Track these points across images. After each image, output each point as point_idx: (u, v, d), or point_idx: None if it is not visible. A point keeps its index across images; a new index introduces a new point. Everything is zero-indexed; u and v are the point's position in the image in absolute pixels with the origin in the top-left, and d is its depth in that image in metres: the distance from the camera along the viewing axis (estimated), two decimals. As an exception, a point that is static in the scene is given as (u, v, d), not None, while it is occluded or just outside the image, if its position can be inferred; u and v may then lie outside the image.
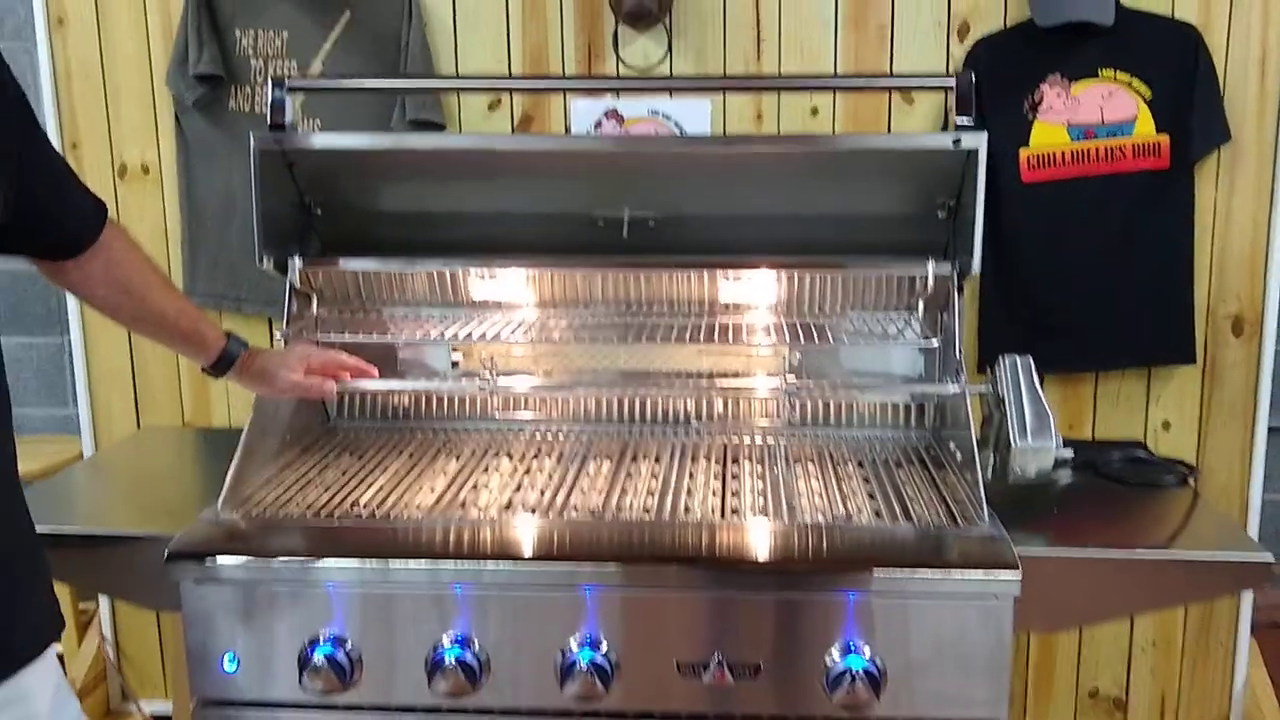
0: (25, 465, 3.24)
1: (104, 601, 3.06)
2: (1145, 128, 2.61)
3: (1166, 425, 2.79)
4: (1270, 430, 2.79)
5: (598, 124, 2.75)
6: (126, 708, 3.16)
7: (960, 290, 2.04)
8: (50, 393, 3.90)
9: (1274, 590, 3.57)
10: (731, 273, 2.17)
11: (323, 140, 2.06)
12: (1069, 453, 1.87)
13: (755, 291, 2.20)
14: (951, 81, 1.95)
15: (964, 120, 1.94)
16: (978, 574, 1.63)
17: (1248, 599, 2.85)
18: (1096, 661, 2.94)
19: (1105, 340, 2.71)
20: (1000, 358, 1.92)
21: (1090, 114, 2.63)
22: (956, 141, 1.92)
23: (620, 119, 2.75)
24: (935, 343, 2.03)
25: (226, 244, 2.87)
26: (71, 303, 2.94)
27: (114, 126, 2.86)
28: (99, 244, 1.73)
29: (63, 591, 3.05)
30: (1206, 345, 2.75)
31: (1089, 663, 2.94)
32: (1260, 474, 2.79)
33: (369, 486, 1.98)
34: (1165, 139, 2.60)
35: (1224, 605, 2.86)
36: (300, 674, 1.69)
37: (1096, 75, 2.62)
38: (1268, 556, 1.71)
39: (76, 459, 3.17)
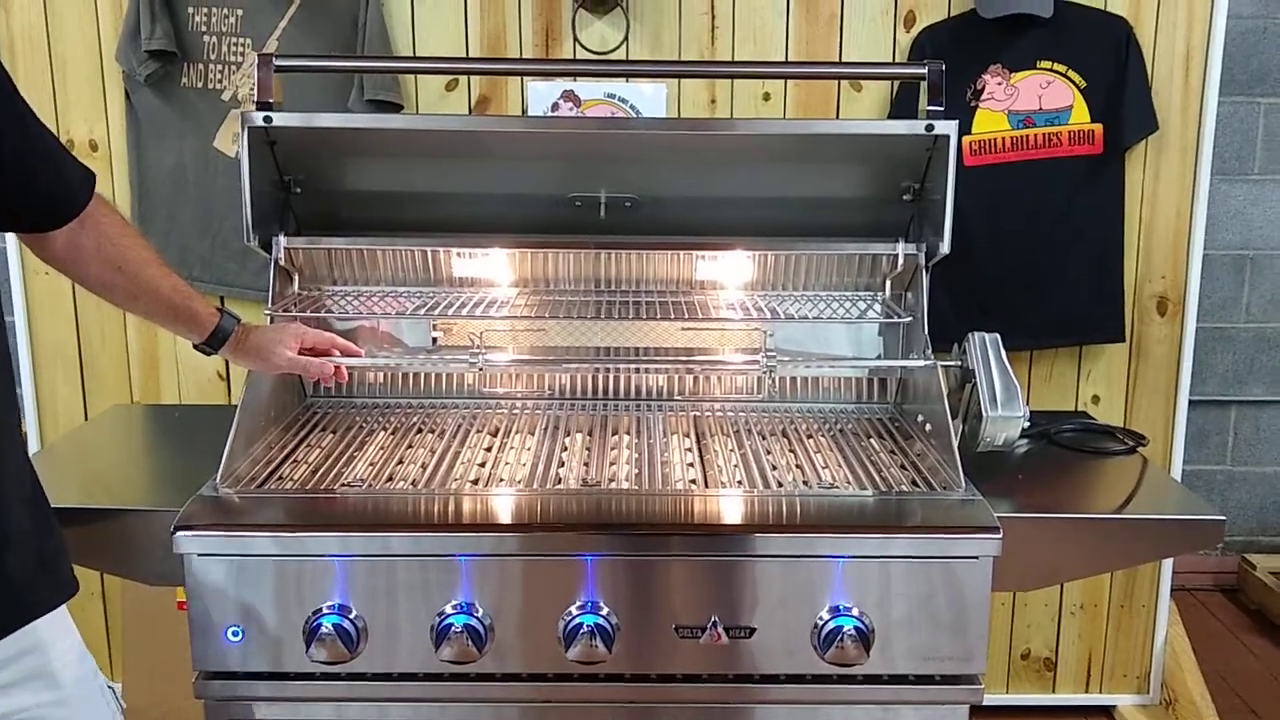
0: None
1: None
2: (1080, 116, 2.75)
3: (1096, 399, 2.95)
4: (1190, 404, 2.97)
5: (554, 106, 2.79)
6: (72, 691, 3.11)
7: (928, 270, 2.14)
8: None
9: (1183, 558, 3.79)
10: (706, 253, 2.24)
11: (309, 120, 2.06)
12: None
13: (729, 271, 2.28)
14: (923, 70, 2.04)
15: (935, 108, 2.03)
16: (960, 536, 1.73)
17: (1169, 564, 3.02)
18: (1027, 625, 3.09)
19: (1040, 319, 2.85)
20: (970, 334, 2.03)
21: (1029, 102, 2.76)
22: (930, 127, 2.01)
23: (577, 101, 2.79)
24: (906, 319, 2.12)
25: (178, 222, 2.85)
26: (16, 283, 2.88)
27: (60, 102, 2.82)
28: (89, 218, 1.72)
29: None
30: (1134, 324, 2.90)
31: (1020, 626, 3.10)
32: (1182, 445, 2.96)
33: (359, 462, 2.00)
34: (1099, 127, 2.75)
35: (1145, 570, 3.03)
36: (307, 644, 1.71)
37: (1035, 66, 2.75)
38: (1220, 517, 1.84)
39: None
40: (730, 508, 1.83)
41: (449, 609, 1.73)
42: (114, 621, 3.05)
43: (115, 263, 1.78)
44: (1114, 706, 3.13)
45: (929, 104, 2.04)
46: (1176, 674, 3.04)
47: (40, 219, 1.68)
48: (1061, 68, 2.75)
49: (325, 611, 1.72)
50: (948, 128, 2.01)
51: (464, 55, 2.76)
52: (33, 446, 2.86)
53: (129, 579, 2.17)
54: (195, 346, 1.91)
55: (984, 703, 2.99)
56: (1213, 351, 3.78)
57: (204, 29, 2.76)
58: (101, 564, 1.96)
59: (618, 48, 2.76)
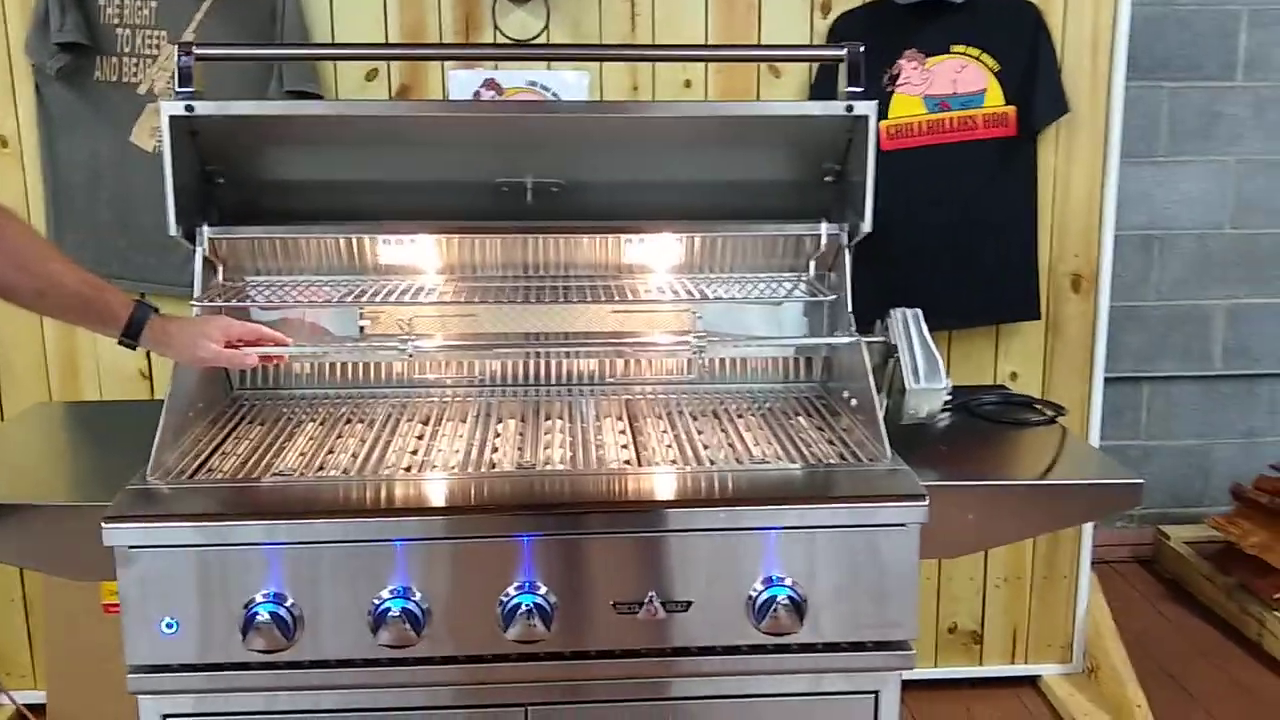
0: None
1: (-35, 592, 2.96)
2: (995, 99, 2.81)
3: (1014, 376, 3.02)
4: (1105, 380, 3.05)
5: (476, 95, 2.79)
6: (-5, 700, 3.05)
7: (850, 250, 2.18)
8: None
9: (1108, 530, 3.90)
10: (633, 237, 2.26)
11: (231, 108, 2.04)
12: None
13: (656, 255, 2.30)
14: (842, 53, 2.07)
15: (854, 89, 2.07)
16: (888, 505, 1.77)
17: (1089, 535, 3.11)
18: (953, 598, 3.16)
19: (959, 299, 2.90)
20: (891, 310, 2.07)
21: (944, 86, 2.82)
22: (850, 108, 2.05)
23: (499, 89, 2.79)
24: (830, 298, 2.15)
25: (94, 219, 2.80)
26: (-76, 283, 2.81)
27: (-33, 97, 2.76)
28: None
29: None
30: (1049, 301, 2.98)
31: (946, 600, 3.16)
32: (1098, 420, 3.05)
33: (289, 452, 1.99)
34: (1012, 110, 2.82)
35: (1067, 543, 3.11)
36: (244, 633, 1.70)
37: (949, 50, 2.81)
38: (1139, 480, 1.90)
39: (-66, 444, 3.04)
40: (663, 485, 1.85)
41: (386, 594, 1.73)
42: (35, 629, 2.99)
43: (16, 262, 1.78)
44: (1039, 676, 3.21)
45: (848, 85, 2.08)
46: (1098, 642, 3.12)
47: None
48: (975, 51, 2.81)
49: (261, 600, 1.71)
50: (867, 108, 2.05)
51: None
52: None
53: (56, 576, 2.14)
54: (119, 342, 1.90)
55: (914, 675, 3.10)
56: (1124, 330, 3.88)
57: (116, 21, 2.72)
58: (26, 561, 1.93)
59: (538, 35, 2.77)
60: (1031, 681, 3.22)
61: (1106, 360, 3.04)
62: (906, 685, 3.09)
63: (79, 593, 2.68)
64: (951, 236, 2.87)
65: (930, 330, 2.89)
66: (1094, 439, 3.04)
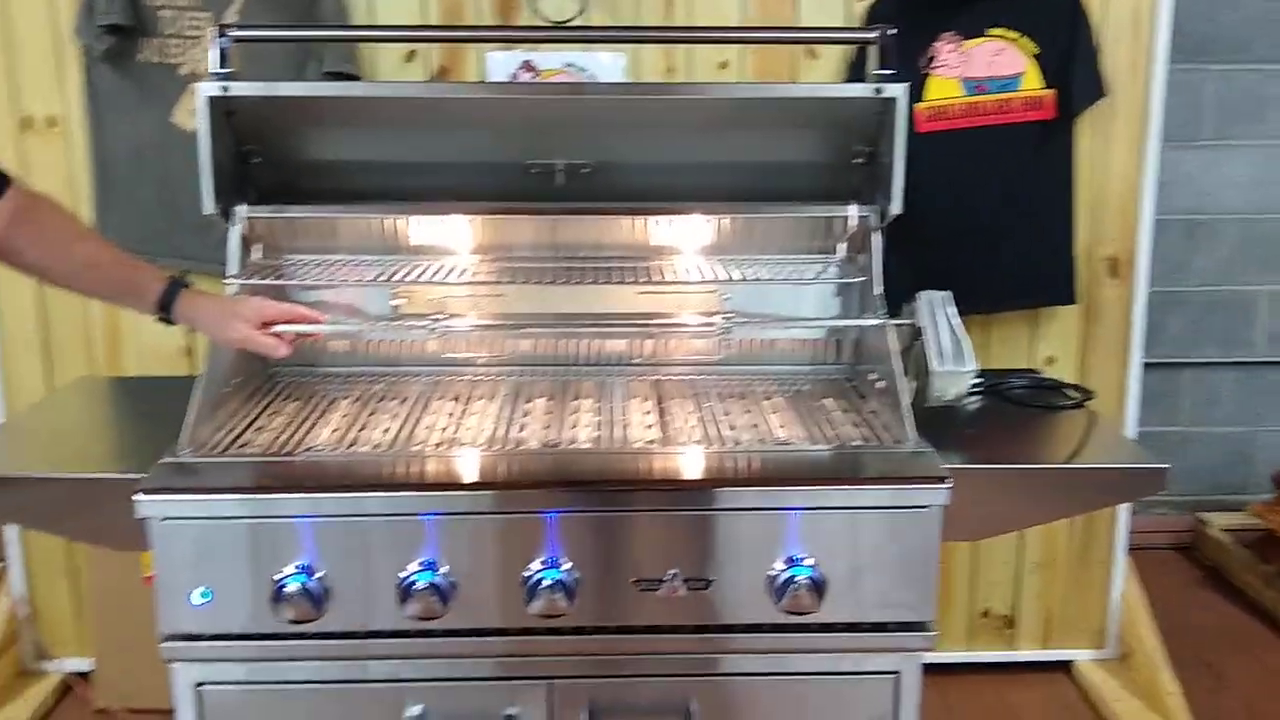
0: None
1: (15, 560, 3.03)
2: (1033, 82, 2.79)
3: (1050, 361, 3.00)
4: (1144, 366, 3.03)
5: (513, 76, 2.82)
6: (41, 666, 3.13)
7: (880, 232, 2.18)
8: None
9: (1147, 516, 3.87)
10: (662, 218, 2.27)
11: (266, 89, 2.07)
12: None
13: (685, 236, 2.31)
14: (873, 35, 2.07)
15: (884, 71, 2.07)
16: (910, 486, 1.78)
17: (1124, 521, 3.09)
18: (988, 583, 3.15)
19: (995, 283, 2.89)
20: (919, 293, 2.08)
21: (982, 69, 2.80)
22: (879, 90, 2.05)
23: (535, 71, 2.81)
24: (859, 280, 2.16)
25: (138, 198, 2.86)
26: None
27: (18, 78, 2.81)
28: (18, 209, 1.80)
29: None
30: (1086, 286, 2.96)
31: (980, 585, 3.16)
32: (1135, 406, 3.02)
33: (323, 427, 2.03)
34: (1051, 93, 2.79)
35: (1102, 529, 3.10)
36: (273, 604, 1.74)
37: (987, 33, 2.79)
38: (1164, 465, 1.89)
39: (-13, 417, 3.12)
40: (686, 463, 1.86)
41: (413, 567, 1.76)
42: (82, 598, 3.07)
43: (48, 243, 1.84)
44: (1072, 661, 3.20)
45: (878, 68, 2.08)
46: (1132, 629, 3.11)
47: None
48: (1014, 34, 2.79)
49: (291, 572, 1.75)
50: (896, 90, 2.05)
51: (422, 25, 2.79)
52: (-2, 423, 2.87)
53: (96, 545, 2.19)
54: (157, 319, 1.94)
55: (946, 659, 3.11)
56: (1165, 315, 3.85)
57: (161, 4, 2.76)
58: (65, 531, 1.98)
59: (575, 18, 2.78)
60: (1064, 667, 3.21)
61: (1146, 345, 3.02)
62: (938, 668, 3.14)
63: (124, 562, 2.75)
64: (988, 220, 2.86)
65: (966, 313, 2.89)
66: (1130, 424, 3.02)
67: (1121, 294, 2.97)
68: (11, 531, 3.03)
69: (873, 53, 2.11)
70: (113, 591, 2.92)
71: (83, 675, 3.09)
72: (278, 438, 1.96)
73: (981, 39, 2.79)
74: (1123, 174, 2.91)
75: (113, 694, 2.99)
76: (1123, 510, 3.07)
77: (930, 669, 3.12)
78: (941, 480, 1.77)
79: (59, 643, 3.12)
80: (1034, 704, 3.09)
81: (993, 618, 3.18)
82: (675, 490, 1.79)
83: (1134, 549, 3.17)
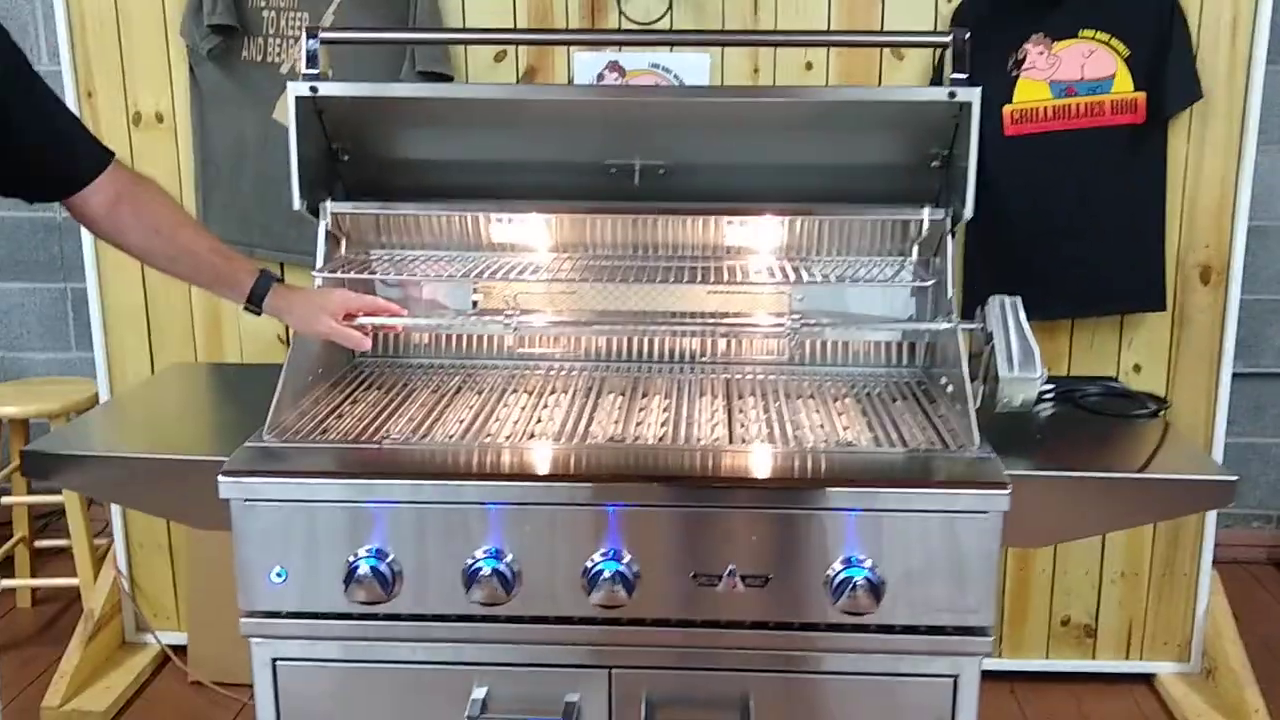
0: (42, 406, 3.37)
1: (119, 536, 3.18)
2: (1124, 85, 2.75)
3: (1138, 368, 2.95)
4: (1235, 376, 2.96)
5: (599, 77, 2.87)
6: (141, 638, 3.28)
7: (953, 235, 2.17)
8: (53, 337, 4.00)
9: (1242, 530, 3.78)
10: (737, 219, 2.30)
11: (353, 89, 2.15)
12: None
13: (759, 236, 2.33)
14: (948, 39, 2.07)
15: (959, 75, 2.06)
16: (970, 491, 1.78)
17: (1210, 533, 3.02)
18: (1068, 592, 3.12)
19: (1080, 287, 2.86)
20: (990, 297, 2.07)
21: (1071, 72, 2.77)
22: (952, 94, 2.05)
23: (622, 72, 2.86)
24: (931, 282, 2.16)
25: (238, 191, 2.97)
26: (86, 249, 3.03)
27: (129, 75, 2.95)
28: (124, 190, 1.90)
29: (79, 528, 3.18)
30: (1176, 292, 2.90)
31: (1061, 593, 3.12)
32: (1224, 416, 2.96)
33: (400, 417, 2.10)
34: (1142, 96, 2.75)
35: (1188, 540, 3.04)
36: (345, 585, 1.81)
37: (1078, 35, 2.75)
38: (1232, 477, 1.86)
39: (92, 400, 3.28)
40: (749, 462, 1.89)
41: (479, 554, 1.81)
42: (179, 574, 3.20)
43: (152, 227, 1.93)
44: (1154, 674, 3.15)
45: (953, 71, 2.07)
46: (1217, 643, 3.04)
47: (43, 191, 1.86)
48: (1104, 36, 2.75)
49: (363, 555, 1.82)
50: (970, 95, 2.04)
51: (511, 28, 2.85)
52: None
53: (183, 524, 2.30)
54: (244, 308, 2.03)
55: (1024, 666, 3.08)
56: (1270, 324, 3.74)
57: (263, 4, 2.87)
58: (157, 509, 2.08)
59: (661, 18, 2.82)
60: (1146, 679, 3.16)
61: (1245, 355, 2.95)
62: (1015, 676, 3.11)
63: (218, 541, 2.85)
64: (1075, 224, 2.82)
65: (1051, 319, 2.88)
66: (1219, 436, 2.95)
67: (1213, 301, 2.91)
68: (115, 510, 3.17)
69: (947, 55, 2.11)
70: (206, 569, 3.04)
71: (178, 649, 3.22)
72: (357, 426, 2.04)
73: (1072, 40, 2.76)
74: (1217, 178, 2.85)
75: (205, 668, 3.12)
76: (1209, 522, 3.00)
77: (1007, 676, 3.14)
78: (1003, 486, 1.77)
79: (158, 616, 3.26)
80: (1112, 716, 3.05)
81: (1073, 627, 3.14)
82: (736, 488, 1.82)
83: (1226, 562, 3.11)
